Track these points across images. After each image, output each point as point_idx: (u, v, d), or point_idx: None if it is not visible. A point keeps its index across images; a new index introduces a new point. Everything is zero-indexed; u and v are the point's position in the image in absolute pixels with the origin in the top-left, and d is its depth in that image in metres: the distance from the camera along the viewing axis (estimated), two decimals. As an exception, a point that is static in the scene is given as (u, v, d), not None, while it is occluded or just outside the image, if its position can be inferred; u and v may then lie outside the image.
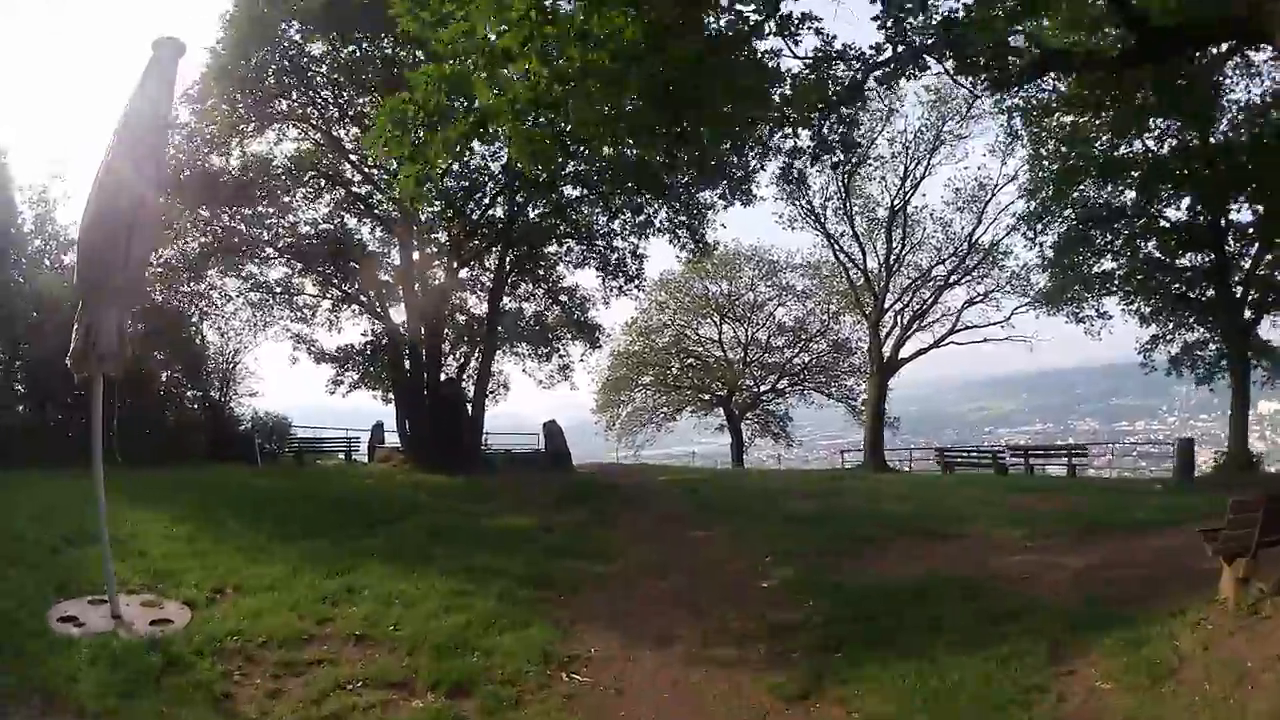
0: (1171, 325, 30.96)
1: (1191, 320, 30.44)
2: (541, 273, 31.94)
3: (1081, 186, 28.50)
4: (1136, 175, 27.45)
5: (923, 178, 35.89)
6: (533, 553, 13.28)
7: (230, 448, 25.24)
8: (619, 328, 46.15)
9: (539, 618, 9.57)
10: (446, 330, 29.86)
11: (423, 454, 25.77)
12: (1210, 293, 28.81)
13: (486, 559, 12.46)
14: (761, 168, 23.89)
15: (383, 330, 29.03)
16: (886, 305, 37.11)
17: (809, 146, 17.28)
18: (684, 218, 28.08)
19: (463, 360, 30.49)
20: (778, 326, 46.25)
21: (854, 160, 28.17)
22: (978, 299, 37.29)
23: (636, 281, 31.06)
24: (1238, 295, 27.95)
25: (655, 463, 39.27)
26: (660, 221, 28.75)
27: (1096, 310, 31.72)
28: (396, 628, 8.76)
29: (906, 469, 36.60)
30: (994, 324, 37.18)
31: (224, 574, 10.05)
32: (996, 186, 35.62)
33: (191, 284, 27.02)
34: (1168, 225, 29.02)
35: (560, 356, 34.05)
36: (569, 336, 33.70)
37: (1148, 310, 30.85)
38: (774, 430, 46.99)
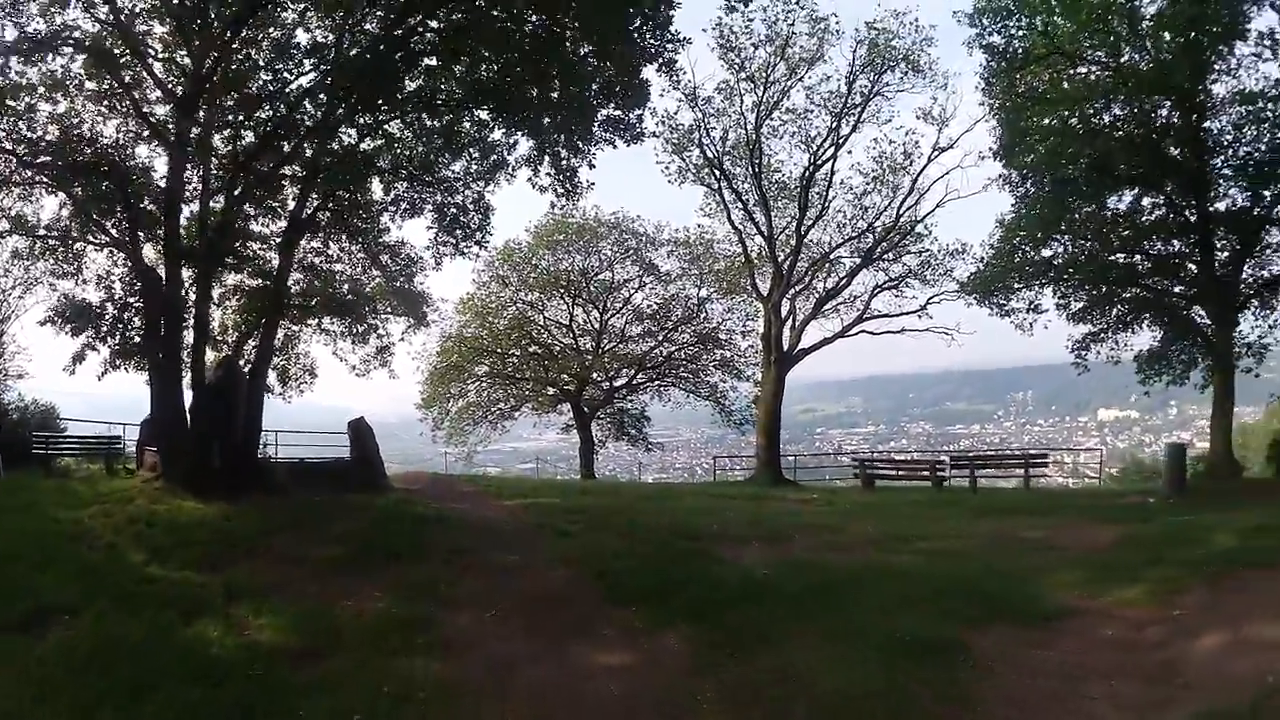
0: (1111, 321, 28.43)
1: (1143, 318, 28.08)
2: (360, 224, 24.38)
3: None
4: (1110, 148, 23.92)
5: (848, 136, 30.34)
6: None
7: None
8: (451, 306, 38.76)
9: None
10: (221, 288, 22.36)
11: (178, 466, 18.12)
12: (1177, 288, 26.85)
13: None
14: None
15: (132, 276, 20.54)
16: (792, 285, 31.41)
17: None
18: (551, 147, 21.32)
19: (245, 335, 22.42)
20: (635, 312, 40.27)
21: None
22: (888, 284, 32.18)
23: (479, 237, 24.07)
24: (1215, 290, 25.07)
25: (493, 469, 32.32)
26: (515, 159, 22.27)
27: (1030, 303, 28.13)
28: None
29: (804, 482, 30.87)
30: (908, 313, 32.26)
31: None
32: (933, 154, 30.49)
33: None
34: (1130, 210, 26.48)
35: (379, 336, 26.63)
36: (389, 310, 26.35)
37: (1079, 306, 28.18)
38: (630, 432, 40.69)
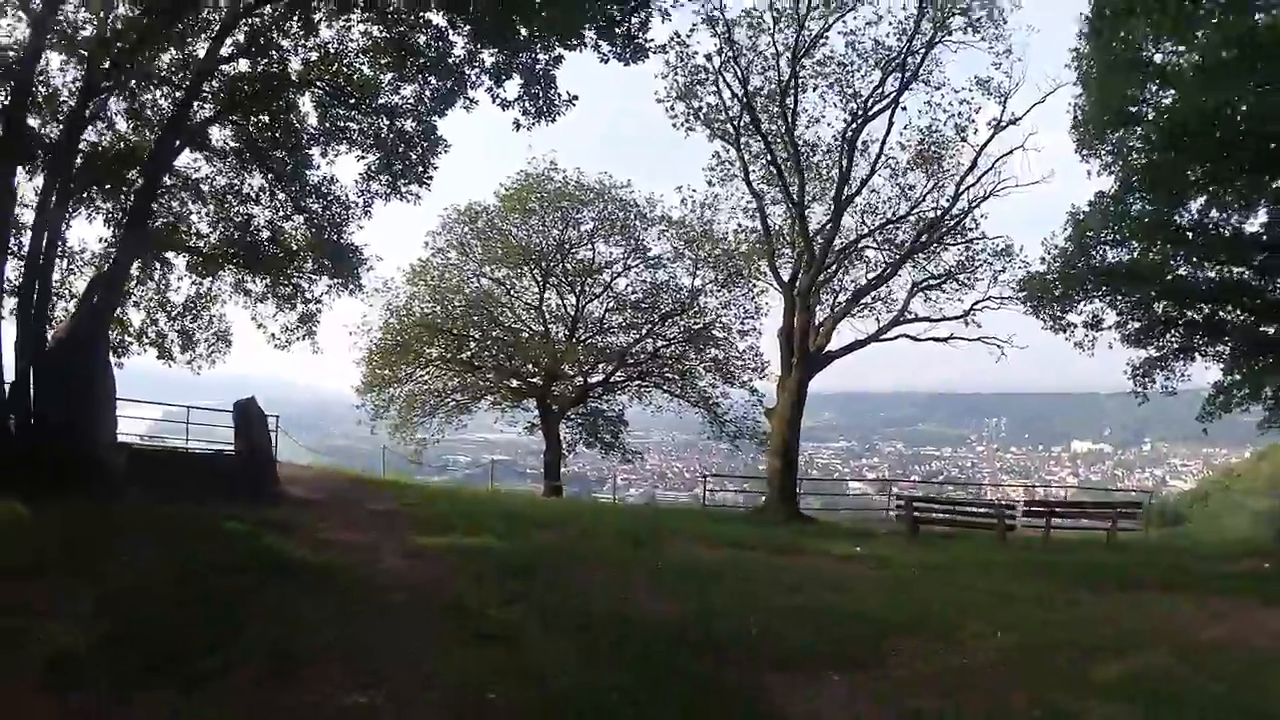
0: (1176, 348, 23.65)
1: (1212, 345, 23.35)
2: (277, 153, 19.21)
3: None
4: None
5: (900, 91, 24.52)
6: None
7: None
8: (399, 274, 33.06)
9: None
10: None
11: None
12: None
13: None
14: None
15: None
16: (824, 269, 25.81)
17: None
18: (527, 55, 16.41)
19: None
20: (616, 300, 34.71)
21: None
22: (929, 283, 26.76)
23: (421, 173, 19.16)
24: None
25: (439, 477, 26.81)
26: (474, 73, 17.21)
27: (1092, 316, 23.42)
28: None
29: (820, 517, 25.54)
30: (950, 319, 26.80)
31: None
32: (997, 128, 24.77)
33: None
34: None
35: (305, 300, 21.65)
36: (316, 269, 21.21)
37: (1137, 326, 23.36)
38: (604, 437, 35.03)
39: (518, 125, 16.85)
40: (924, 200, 26.15)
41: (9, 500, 11.32)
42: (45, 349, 14.54)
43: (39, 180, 15.33)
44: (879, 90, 24.29)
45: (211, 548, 10.55)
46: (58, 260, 16.18)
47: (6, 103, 14.18)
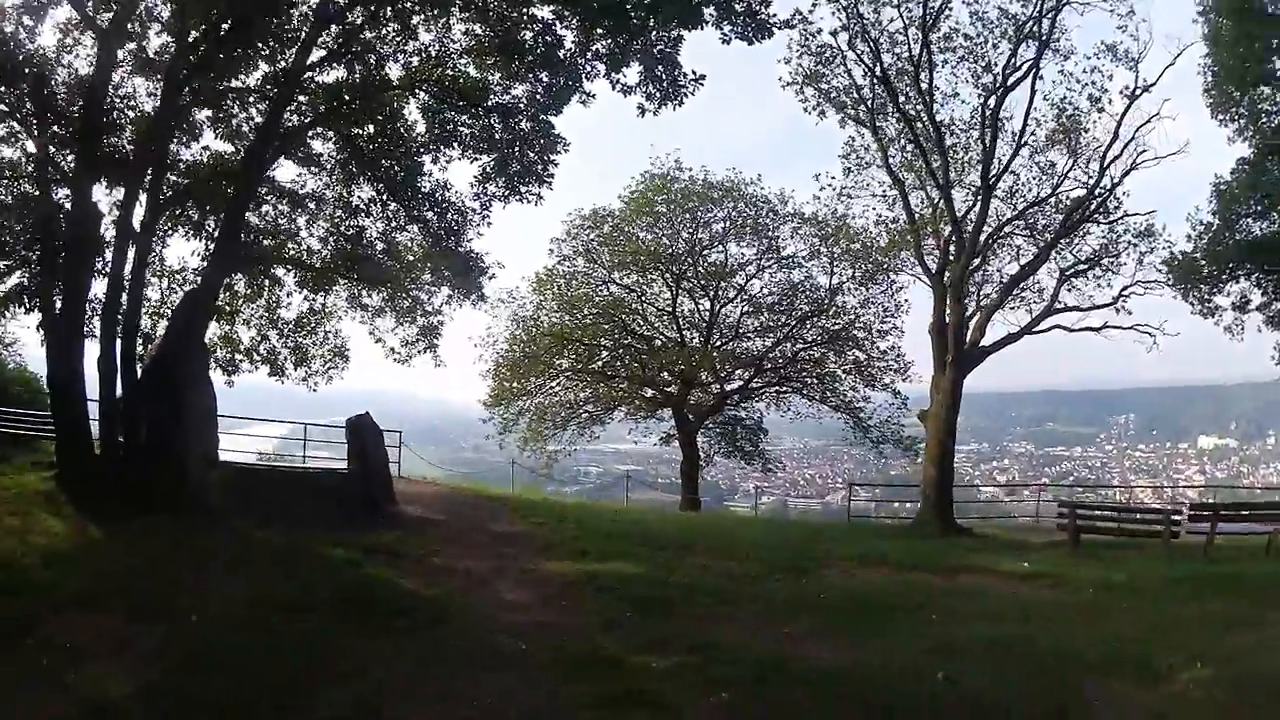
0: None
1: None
2: (386, 163, 18.55)
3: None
4: None
5: (1037, 57, 21.81)
6: None
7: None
8: (524, 283, 32.14)
9: None
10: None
11: (78, 473, 13.08)
12: None
13: None
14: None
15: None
16: (975, 255, 23.29)
17: None
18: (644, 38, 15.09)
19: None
20: (751, 302, 32.74)
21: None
22: (1077, 268, 23.94)
23: (542, 172, 18.06)
24: None
25: (571, 488, 25.70)
26: (589, 65, 16.04)
27: (1240, 297, 21.77)
28: None
29: (974, 527, 22.97)
30: (1099, 307, 23.72)
31: None
32: (1133, 95, 21.69)
33: None
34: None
35: (425, 313, 21.04)
36: (434, 280, 20.68)
37: None
38: (743, 446, 33.23)
39: (642, 110, 15.54)
40: (1065, 178, 23.46)
41: (84, 520, 11.03)
42: (133, 367, 14.17)
43: (120, 195, 14.81)
44: (1012, 60, 21.85)
45: (300, 579, 9.61)
46: (157, 279, 15.92)
47: (80, 117, 13.89)
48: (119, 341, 13.93)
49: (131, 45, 15.04)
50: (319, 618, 8.31)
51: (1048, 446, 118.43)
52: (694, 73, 15.35)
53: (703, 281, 32.00)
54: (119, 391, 13.84)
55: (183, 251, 17.30)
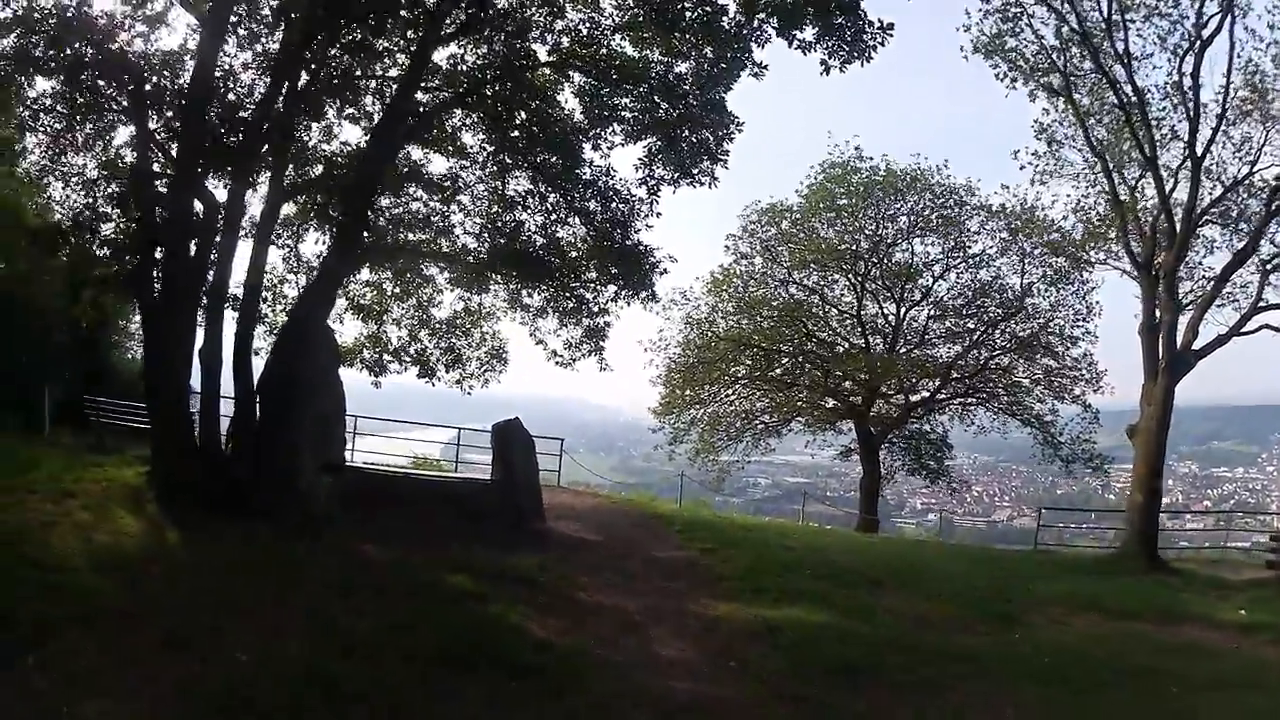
0: None
1: None
2: (545, 154, 17.56)
3: None
4: None
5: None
6: None
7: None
8: (698, 283, 30.43)
9: None
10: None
11: (169, 470, 12.55)
12: None
13: None
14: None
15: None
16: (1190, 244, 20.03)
17: None
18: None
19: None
20: (938, 305, 30.18)
21: None
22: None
23: (715, 148, 16.52)
24: None
25: (737, 500, 23.91)
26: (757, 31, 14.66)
27: None
28: None
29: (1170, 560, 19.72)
30: None
31: None
32: None
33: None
34: None
35: (591, 314, 19.48)
36: (597, 274, 19.11)
37: None
38: (927, 463, 30.54)
39: (826, 68, 13.70)
40: (1261, 154, 19.68)
41: (165, 522, 10.55)
42: (248, 360, 13.65)
43: (239, 189, 14.30)
44: (1202, 11, 18.28)
45: (397, 613, 8.13)
46: (294, 275, 15.32)
47: (185, 107, 13.37)
48: (231, 334, 13.65)
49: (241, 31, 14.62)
50: (405, 670, 6.78)
51: (1211, 466, 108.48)
52: (880, 22, 13.39)
53: (888, 282, 29.66)
54: (223, 387, 13.43)
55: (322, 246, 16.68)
